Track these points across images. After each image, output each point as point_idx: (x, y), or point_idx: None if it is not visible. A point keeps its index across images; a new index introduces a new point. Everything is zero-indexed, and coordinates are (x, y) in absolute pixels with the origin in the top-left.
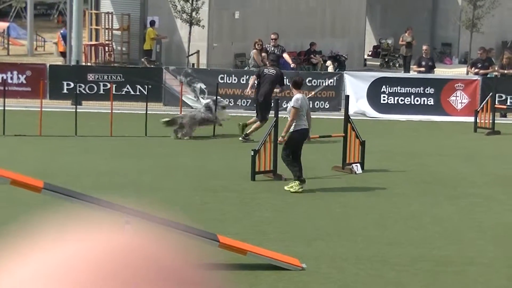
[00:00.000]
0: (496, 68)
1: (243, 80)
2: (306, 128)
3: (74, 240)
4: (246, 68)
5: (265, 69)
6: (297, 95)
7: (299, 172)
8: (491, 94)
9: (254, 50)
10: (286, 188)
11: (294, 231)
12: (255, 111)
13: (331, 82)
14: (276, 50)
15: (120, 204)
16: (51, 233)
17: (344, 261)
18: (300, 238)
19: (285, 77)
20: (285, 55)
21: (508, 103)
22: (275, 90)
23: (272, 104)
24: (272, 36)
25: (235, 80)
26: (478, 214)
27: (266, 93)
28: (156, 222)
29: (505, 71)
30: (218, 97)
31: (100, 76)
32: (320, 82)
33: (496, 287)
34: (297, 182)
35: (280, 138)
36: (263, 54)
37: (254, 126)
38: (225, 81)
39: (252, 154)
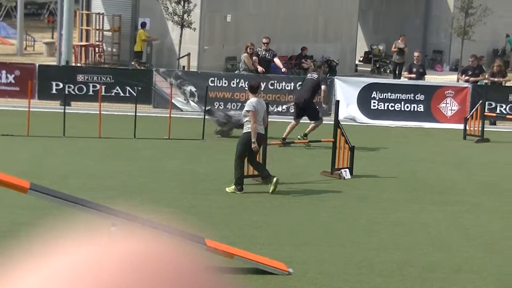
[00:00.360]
0: (486, 76)
1: (233, 83)
2: (260, 133)
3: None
4: (236, 72)
5: (308, 74)
6: (252, 99)
7: (239, 180)
8: (481, 101)
9: (245, 54)
10: (226, 189)
11: (282, 236)
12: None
13: None
14: (267, 54)
15: (107, 206)
16: (54, 236)
17: (332, 266)
18: (287, 242)
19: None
20: (276, 60)
21: (498, 111)
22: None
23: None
24: (264, 40)
25: (225, 83)
26: (466, 221)
27: (306, 97)
28: (143, 224)
29: (496, 79)
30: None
31: (89, 77)
32: None
33: None
34: (233, 187)
35: (253, 146)
36: (254, 58)
37: (310, 126)
38: (215, 84)
39: None
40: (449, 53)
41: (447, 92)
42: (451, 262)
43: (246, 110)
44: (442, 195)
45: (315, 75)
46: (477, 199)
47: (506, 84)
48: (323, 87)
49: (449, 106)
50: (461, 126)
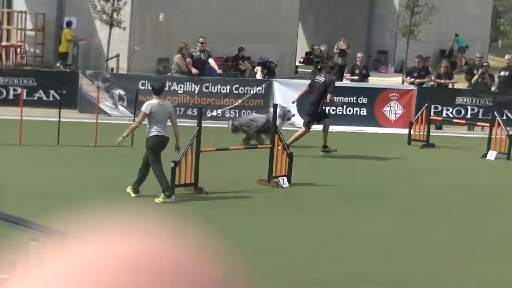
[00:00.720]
0: (432, 78)
1: (165, 86)
2: (159, 136)
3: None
4: (169, 74)
5: (316, 77)
6: (151, 100)
7: (166, 187)
8: (426, 105)
9: (178, 55)
10: (156, 200)
11: (213, 248)
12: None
13: (259, 90)
14: (202, 55)
15: (27, 218)
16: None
17: (266, 281)
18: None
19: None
20: (211, 61)
21: (444, 115)
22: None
23: (317, 112)
24: (201, 40)
25: None
26: (409, 230)
27: (313, 102)
28: (64, 238)
29: (442, 81)
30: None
31: (10, 80)
32: (247, 89)
33: None
34: (162, 196)
35: (119, 138)
36: (188, 59)
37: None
38: (146, 88)
39: (172, 166)
40: (394, 54)
41: (392, 95)
42: (391, 274)
43: (141, 110)
44: (385, 202)
45: (322, 78)
46: (421, 206)
47: (453, 87)
48: (329, 96)
49: (394, 110)
50: (405, 131)
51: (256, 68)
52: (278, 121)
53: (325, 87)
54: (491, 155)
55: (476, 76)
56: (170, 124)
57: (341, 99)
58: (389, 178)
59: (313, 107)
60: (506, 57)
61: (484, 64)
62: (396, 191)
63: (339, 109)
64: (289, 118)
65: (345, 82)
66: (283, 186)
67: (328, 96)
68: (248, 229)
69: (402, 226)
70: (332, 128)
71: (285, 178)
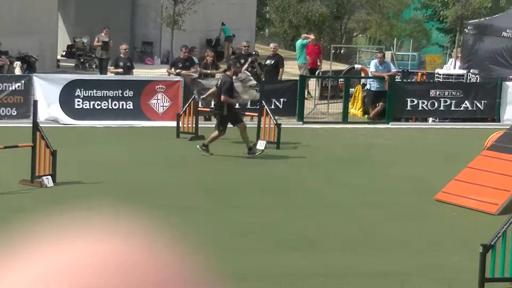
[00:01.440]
0: (198, 69)
1: None
2: None
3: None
4: None
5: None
6: None
7: None
8: (194, 97)
9: None
10: None
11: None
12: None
13: (18, 86)
14: None
15: None
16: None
17: None
18: None
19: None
20: None
21: (212, 106)
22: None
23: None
24: None
25: None
26: (187, 228)
27: (216, 104)
28: None
29: (209, 71)
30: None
31: None
32: (6, 86)
33: None
34: None
35: None
36: None
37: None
38: None
39: None
40: (160, 45)
41: (158, 87)
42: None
43: None
44: (156, 199)
45: (219, 79)
46: (192, 202)
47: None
48: (222, 97)
49: (161, 102)
50: (174, 124)
51: (15, 63)
52: (239, 85)
53: (221, 89)
54: (261, 144)
55: (246, 65)
56: None
57: (106, 93)
58: (157, 173)
59: (218, 110)
60: (272, 45)
61: (254, 53)
62: (166, 186)
63: (104, 103)
64: (251, 86)
65: (109, 76)
66: (48, 185)
67: (222, 98)
68: (13, 236)
69: (176, 222)
70: (98, 123)
71: (49, 177)
